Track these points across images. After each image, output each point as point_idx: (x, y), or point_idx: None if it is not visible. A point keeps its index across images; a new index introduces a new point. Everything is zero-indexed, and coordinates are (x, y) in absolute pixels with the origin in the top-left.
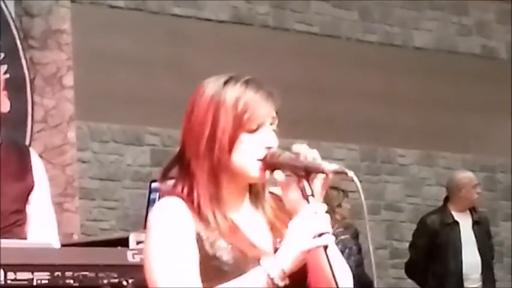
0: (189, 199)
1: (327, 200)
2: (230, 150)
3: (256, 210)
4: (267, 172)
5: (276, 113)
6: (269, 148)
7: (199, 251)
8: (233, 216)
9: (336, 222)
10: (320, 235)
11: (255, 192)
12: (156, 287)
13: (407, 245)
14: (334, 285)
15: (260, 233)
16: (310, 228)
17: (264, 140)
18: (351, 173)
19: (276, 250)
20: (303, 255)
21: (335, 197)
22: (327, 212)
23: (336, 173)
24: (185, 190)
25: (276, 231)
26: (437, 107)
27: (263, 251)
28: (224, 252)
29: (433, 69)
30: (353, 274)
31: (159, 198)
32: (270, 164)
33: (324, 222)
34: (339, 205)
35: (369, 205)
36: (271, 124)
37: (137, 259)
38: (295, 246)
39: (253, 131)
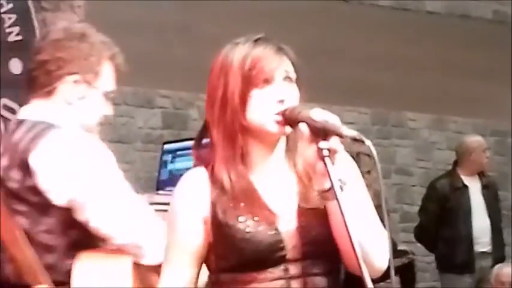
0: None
1: (357, 164)
2: (243, 110)
3: (289, 165)
4: (287, 127)
5: (294, 65)
6: (281, 101)
7: (214, 219)
8: (256, 176)
9: None
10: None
11: (289, 146)
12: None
13: (417, 208)
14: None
15: (282, 194)
16: None
17: (276, 94)
18: (368, 142)
19: (299, 208)
20: None
21: (366, 163)
22: None
23: (354, 139)
24: (210, 156)
25: (304, 186)
26: (448, 71)
27: (277, 215)
28: (236, 219)
29: (445, 33)
30: None
31: (172, 159)
32: (289, 119)
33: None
34: (368, 172)
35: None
36: (285, 78)
37: None
38: None
39: (263, 86)
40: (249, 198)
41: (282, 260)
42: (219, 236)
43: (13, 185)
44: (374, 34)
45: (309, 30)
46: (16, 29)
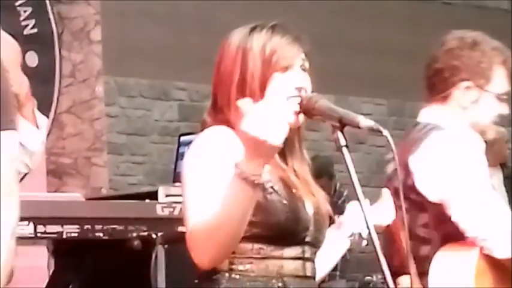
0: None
1: None
2: (262, 94)
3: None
4: (301, 116)
5: (306, 55)
6: (300, 89)
7: None
8: None
9: None
10: None
11: (290, 143)
12: (186, 215)
13: None
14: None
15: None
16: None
17: (295, 81)
18: (385, 132)
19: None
20: (259, 141)
21: None
22: None
23: (371, 130)
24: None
25: (310, 194)
26: None
27: (304, 192)
28: (279, 186)
29: (461, 24)
30: None
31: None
32: (305, 109)
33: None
34: None
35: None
36: (301, 66)
37: (166, 212)
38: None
39: (283, 71)
40: (280, 171)
41: (303, 240)
42: (262, 199)
43: (396, 184)
44: (390, 25)
45: (326, 21)
46: (31, 22)
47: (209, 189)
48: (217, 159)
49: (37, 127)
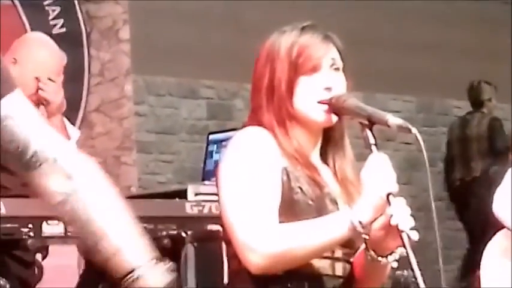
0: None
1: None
2: (290, 97)
3: (324, 164)
4: (333, 116)
5: (340, 54)
6: (328, 89)
7: (284, 184)
8: None
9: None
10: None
11: (333, 142)
12: (229, 216)
13: None
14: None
15: (331, 182)
16: (385, 174)
17: (323, 81)
18: (414, 130)
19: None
20: (383, 201)
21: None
22: None
23: (400, 128)
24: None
25: (347, 194)
26: (493, 57)
27: (338, 193)
28: (308, 187)
29: (488, 19)
30: None
31: (217, 150)
32: (335, 108)
33: (391, 169)
34: (490, 99)
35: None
36: (332, 66)
37: (195, 211)
38: (376, 193)
39: (310, 74)
40: (312, 171)
41: None
42: (287, 198)
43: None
44: (417, 21)
45: (353, 18)
46: (60, 22)
47: (257, 194)
48: (258, 161)
49: (68, 138)
